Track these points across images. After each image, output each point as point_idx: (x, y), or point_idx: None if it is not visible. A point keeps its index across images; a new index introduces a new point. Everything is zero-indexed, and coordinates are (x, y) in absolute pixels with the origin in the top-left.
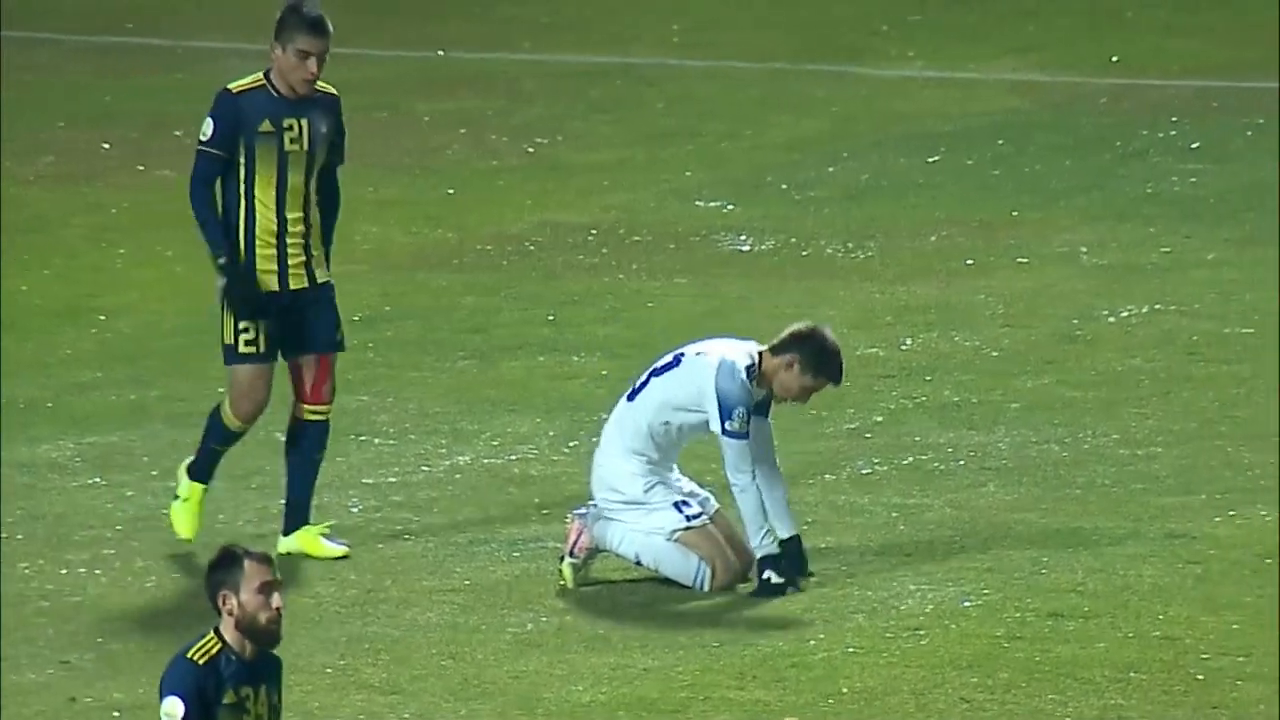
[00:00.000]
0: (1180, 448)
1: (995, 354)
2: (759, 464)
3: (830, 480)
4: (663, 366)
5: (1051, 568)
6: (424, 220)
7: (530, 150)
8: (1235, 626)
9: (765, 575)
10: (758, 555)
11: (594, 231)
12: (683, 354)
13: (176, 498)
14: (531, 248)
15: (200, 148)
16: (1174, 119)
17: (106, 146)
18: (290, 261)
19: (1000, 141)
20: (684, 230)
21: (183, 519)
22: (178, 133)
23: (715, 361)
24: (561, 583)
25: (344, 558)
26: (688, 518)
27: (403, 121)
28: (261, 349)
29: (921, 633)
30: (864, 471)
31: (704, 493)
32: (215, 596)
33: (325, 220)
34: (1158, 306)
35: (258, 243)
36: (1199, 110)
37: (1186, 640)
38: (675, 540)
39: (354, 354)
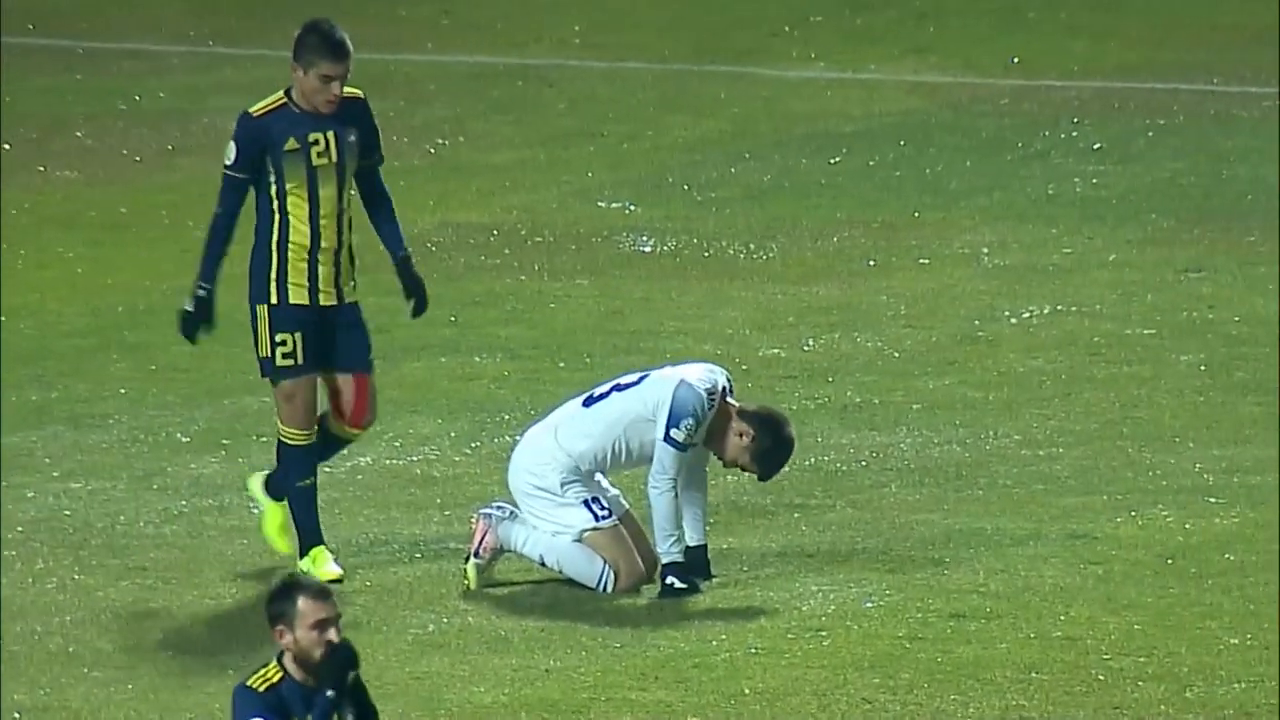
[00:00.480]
0: (1082, 448)
1: (897, 355)
2: (690, 471)
3: (732, 481)
4: (627, 383)
5: (953, 568)
6: None
7: (431, 151)
8: (1137, 627)
9: (668, 580)
10: (663, 561)
11: (495, 232)
12: (649, 373)
13: (264, 510)
14: (433, 248)
15: (225, 171)
16: (1075, 120)
17: (7, 147)
18: (321, 277)
19: (902, 142)
20: (586, 231)
21: (275, 530)
22: (78, 134)
23: (679, 377)
24: (465, 583)
25: (337, 580)
26: (597, 517)
27: None
28: (300, 360)
29: (823, 633)
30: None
31: (615, 491)
32: (272, 629)
33: (377, 212)
34: (1059, 307)
35: (290, 257)
36: (1100, 111)
37: (1088, 641)
38: (582, 541)
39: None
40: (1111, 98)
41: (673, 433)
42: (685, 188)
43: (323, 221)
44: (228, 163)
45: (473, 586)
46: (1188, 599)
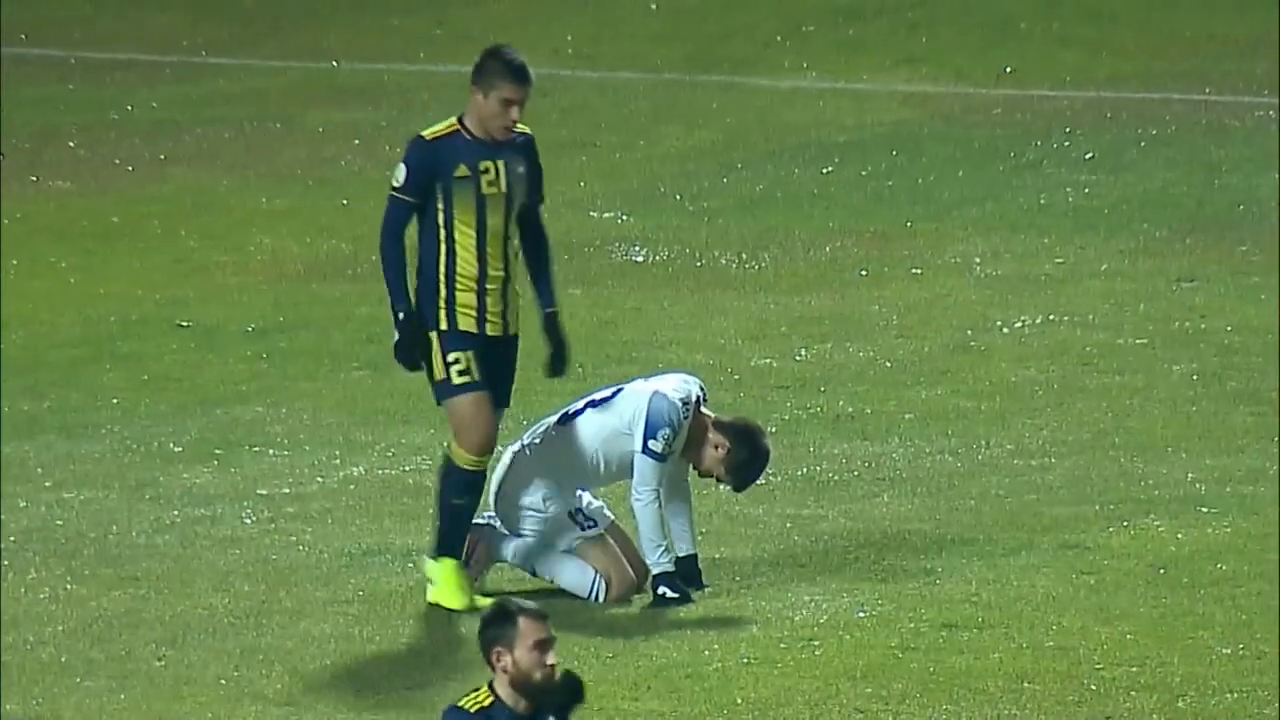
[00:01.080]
0: (1074, 458)
1: (889, 365)
2: (672, 482)
3: (725, 490)
4: (601, 399)
5: (945, 578)
6: (318, 231)
7: None
8: (1129, 637)
9: (660, 590)
10: (653, 571)
11: None
12: (622, 388)
13: (430, 582)
14: None
15: (392, 193)
16: (1067, 130)
17: (0, 157)
18: (488, 309)
19: (894, 152)
20: (578, 241)
21: (449, 596)
22: (71, 144)
23: (653, 389)
24: None
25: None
26: (582, 527)
27: (296, 132)
28: (476, 377)
29: (816, 643)
30: (758, 482)
31: (598, 503)
32: (489, 653)
33: (535, 257)
34: (1051, 317)
35: (458, 288)
36: (1092, 121)
37: (1080, 650)
38: (571, 552)
39: (248, 364)
40: (1104, 108)
41: (650, 444)
42: (678, 198)
43: (489, 251)
44: (396, 185)
45: None
46: (1180, 609)
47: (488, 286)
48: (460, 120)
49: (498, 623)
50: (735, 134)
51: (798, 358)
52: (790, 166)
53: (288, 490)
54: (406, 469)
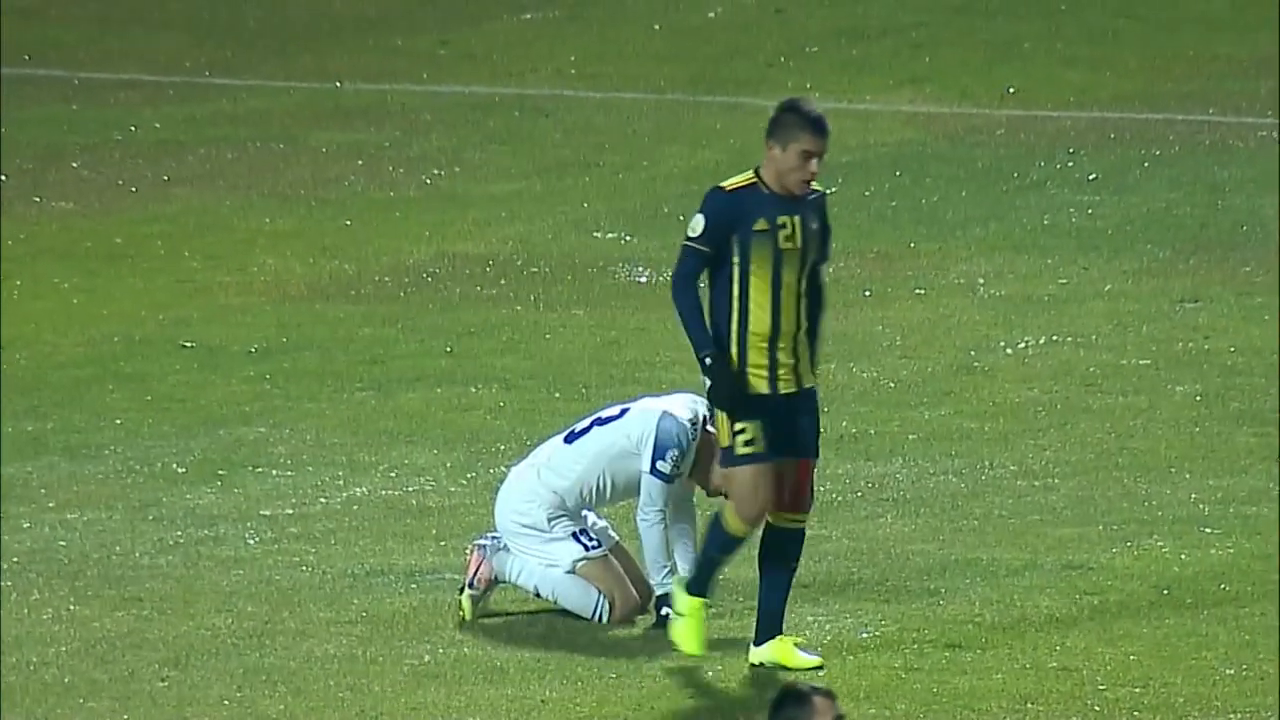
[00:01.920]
0: (1077, 479)
1: (893, 385)
2: (677, 503)
3: None
4: (608, 417)
5: (949, 599)
6: (321, 251)
7: (427, 181)
8: (1132, 657)
9: (664, 611)
10: (658, 592)
11: (491, 263)
12: (629, 407)
13: (679, 615)
14: (429, 279)
15: (687, 243)
16: (1071, 150)
17: (3, 178)
18: (781, 365)
19: (897, 173)
20: (581, 261)
21: (687, 635)
22: (74, 164)
23: (661, 409)
24: (460, 614)
25: (818, 668)
26: (586, 548)
27: (299, 153)
28: (762, 448)
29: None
30: None
31: (604, 522)
32: None
33: (809, 316)
34: (1055, 338)
35: (750, 344)
36: (1096, 142)
37: (1084, 671)
38: (575, 572)
39: (251, 385)
40: (1107, 128)
41: (658, 464)
42: (681, 218)
43: (783, 307)
44: (692, 235)
45: (468, 617)
46: (1183, 629)
47: (779, 343)
48: (757, 173)
49: (791, 704)
50: (739, 154)
51: None
52: None
53: (291, 511)
54: (410, 489)
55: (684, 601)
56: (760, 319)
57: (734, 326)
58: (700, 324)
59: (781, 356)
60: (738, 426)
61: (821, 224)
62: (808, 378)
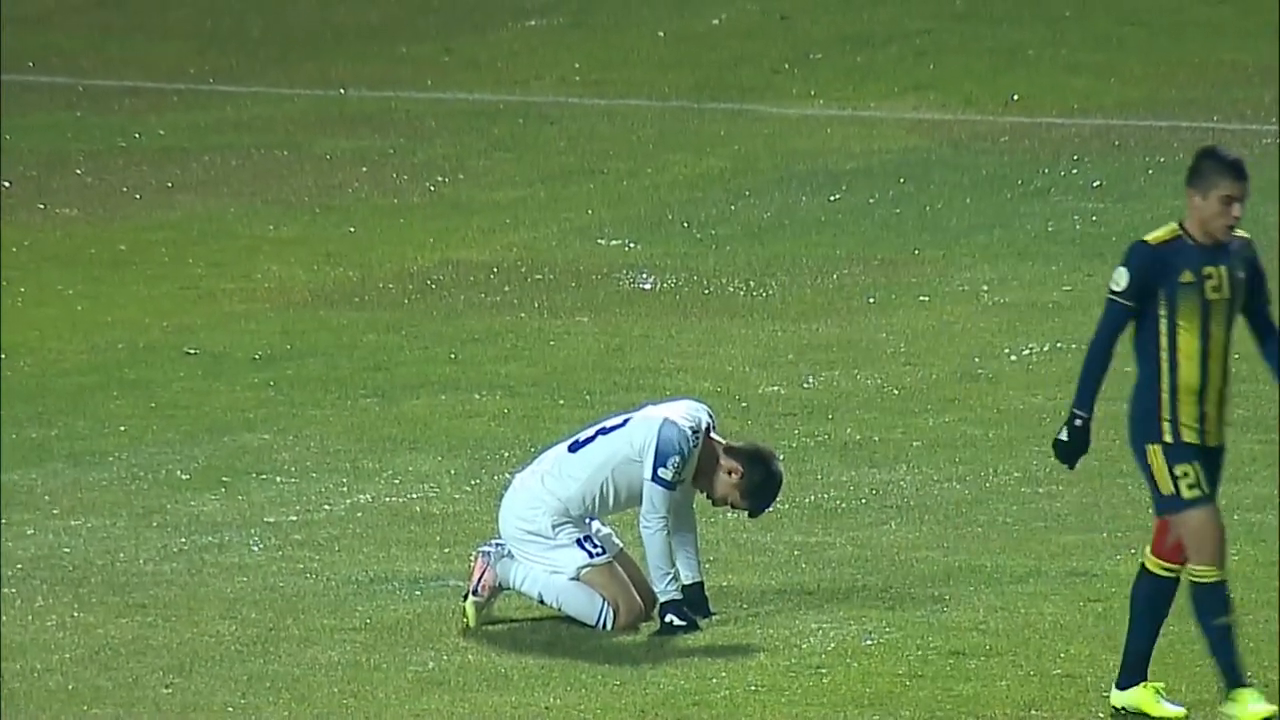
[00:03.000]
0: (1082, 486)
1: (897, 392)
2: (678, 510)
3: (732, 517)
4: (611, 426)
5: (953, 606)
6: (325, 258)
7: (431, 188)
8: None
9: (667, 618)
10: (661, 599)
11: (496, 269)
12: (630, 417)
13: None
14: (433, 286)
15: (1111, 297)
16: (1075, 157)
17: (7, 184)
18: (1208, 418)
19: (902, 180)
20: (586, 268)
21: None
22: (78, 171)
23: (662, 416)
24: (464, 621)
25: None
26: (591, 555)
27: (303, 160)
28: (1206, 490)
29: (823, 671)
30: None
31: (607, 530)
32: None
33: (1265, 351)
34: (1059, 344)
35: (1180, 399)
36: (1100, 148)
37: (1088, 678)
38: (579, 579)
39: (255, 392)
40: (1112, 135)
41: (660, 471)
42: (685, 225)
43: (1211, 359)
44: (1116, 289)
45: (472, 624)
46: (1187, 636)
47: (1207, 395)
48: (1181, 225)
49: None
50: (743, 161)
51: (805, 385)
52: (798, 194)
53: (295, 518)
54: (414, 496)
55: (1241, 707)
56: (1190, 371)
57: (1164, 380)
58: (1096, 382)
59: (1209, 410)
60: (1179, 470)
61: (1252, 269)
62: (1224, 432)
